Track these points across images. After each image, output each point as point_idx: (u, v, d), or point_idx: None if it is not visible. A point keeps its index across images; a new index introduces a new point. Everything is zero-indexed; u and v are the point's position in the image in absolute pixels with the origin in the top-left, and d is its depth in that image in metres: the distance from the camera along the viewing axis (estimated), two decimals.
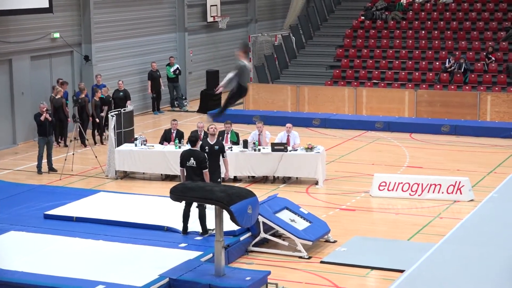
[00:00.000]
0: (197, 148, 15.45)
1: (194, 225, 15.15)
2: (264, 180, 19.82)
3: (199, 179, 14.91)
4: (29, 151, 23.40)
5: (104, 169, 20.78)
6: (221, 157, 16.50)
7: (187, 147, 16.13)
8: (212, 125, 16.94)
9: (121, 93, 25.51)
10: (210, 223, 14.74)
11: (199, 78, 31.96)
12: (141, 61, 29.31)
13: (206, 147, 16.33)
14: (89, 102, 24.40)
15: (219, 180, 16.29)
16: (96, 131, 24.48)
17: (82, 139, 23.57)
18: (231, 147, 19.75)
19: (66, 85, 24.74)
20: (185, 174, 15.26)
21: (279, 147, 19.47)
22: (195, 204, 15.00)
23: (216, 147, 16.41)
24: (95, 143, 24.11)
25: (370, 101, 27.62)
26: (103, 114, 24.22)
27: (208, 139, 16.67)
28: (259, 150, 19.57)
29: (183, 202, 14.83)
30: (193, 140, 15.42)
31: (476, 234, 13.46)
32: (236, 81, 14.33)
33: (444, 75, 28.69)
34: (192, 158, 15.05)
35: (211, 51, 33.19)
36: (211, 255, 13.68)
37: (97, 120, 24.22)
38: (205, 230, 15.00)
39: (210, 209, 14.51)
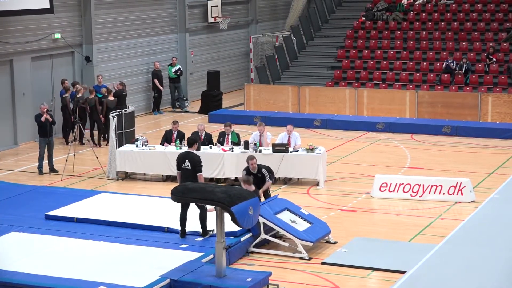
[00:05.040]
0: (193, 150, 15.37)
1: (195, 225, 15.13)
2: None
3: (194, 181, 14.78)
4: (30, 152, 23.40)
5: (105, 170, 20.79)
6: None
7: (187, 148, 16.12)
8: (253, 161, 16.42)
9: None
10: (210, 224, 14.75)
11: (200, 79, 31.96)
12: (142, 61, 29.31)
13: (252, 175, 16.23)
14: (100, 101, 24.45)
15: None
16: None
17: (81, 139, 23.70)
18: (232, 148, 19.76)
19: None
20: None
21: (280, 148, 19.47)
22: (191, 207, 14.96)
23: (259, 175, 16.33)
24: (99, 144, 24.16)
25: (371, 102, 27.61)
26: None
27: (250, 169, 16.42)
28: (260, 151, 19.55)
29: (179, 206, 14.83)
30: (190, 141, 15.41)
31: (477, 235, 13.45)
32: None
33: (445, 76, 28.69)
34: (187, 161, 15.01)
35: (212, 51, 33.19)
36: (212, 256, 13.69)
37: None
38: (205, 231, 14.99)
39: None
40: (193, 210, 15.04)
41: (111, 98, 24.38)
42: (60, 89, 24.94)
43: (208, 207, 14.91)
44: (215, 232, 14.39)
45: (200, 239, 14.91)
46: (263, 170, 16.50)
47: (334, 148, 23.52)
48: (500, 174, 20.17)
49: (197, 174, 14.97)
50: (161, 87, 29.00)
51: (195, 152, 15.37)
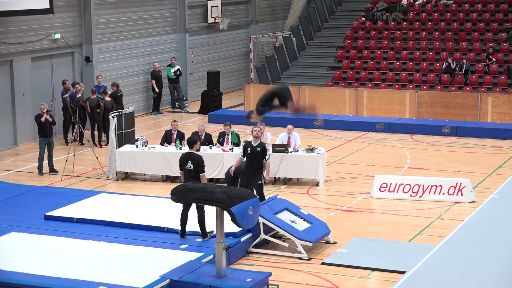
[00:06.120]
0: (195, 151, 15.35)
1: (195, 226, 15.13)
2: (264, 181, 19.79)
3: (197, 182, 14.78)
4: (30, 152, 23.41)
5: (105, 170, 20.79)
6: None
7: (187, 149, 16.08)
8: (256, 128, 16.70)
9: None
10: (210, 226, 14.76)
11: (199, 79, 31.96)
12: (142, 62, 29.31)
13: (249, 149, 16.27)
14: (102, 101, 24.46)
15: (259, 182, 16.17)
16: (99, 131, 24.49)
17: (81, 140, 23.74)
18: (232, 148, 19.76)
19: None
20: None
21: (280, 148, 19.48)
22: (192, 207, 14.96)
23: (258, 149, 16.25)
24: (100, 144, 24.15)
25: (371, 102, 27.61)
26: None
27: (251, 141, 16.49)
28: None
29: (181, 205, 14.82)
30: (190, 142, 15.37)
31: (477, 235, 13.45)
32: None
33: (445, 76, 28.70)
34: (189, 161, 14.97)
35: (212, 52, 33.19)
36: (212, 256, 13.69)
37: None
38: (204, 233, 14.96)
39: (210, 208, 14.48)
40: (192, 212, 15.04)
41: (107, 98, 24.40)
42: (61, 90, 24.96)
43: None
44: (215, 233, 14.41)
45: (199, 239, 14.90)
46: (266, 146, 16.45)
47: (334, 148, 23.52)
48: (500, 174, 20.18)
49: (200, 174, 14.95)
50: (157, 89, 28.95)
51: (197, 152, 15.37)
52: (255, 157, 16.20)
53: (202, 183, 14.57)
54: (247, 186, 15.94)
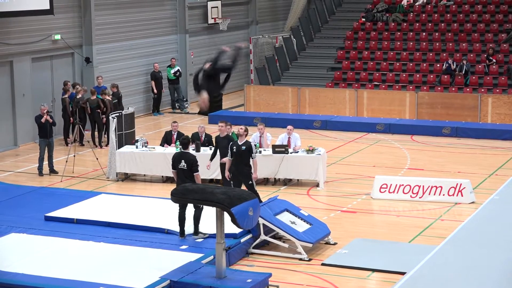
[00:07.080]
0: (189, 150, 15.35)
1: (192, 227, 15.12)
2: (265, 182, 19.81)
3: (190, 181, 14.78)
4: (30, 153, 23.41)
5: (105, 171, 20.79)
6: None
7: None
8: (242, 127, 16.71)
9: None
10: (203, 228, 14.80)
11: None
12: (142, 63, 29.32)
13: (234, 148, 16.22)
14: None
15: (250, 182, 16.13)
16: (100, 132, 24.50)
17: (82, 140, 23.74)
18: None
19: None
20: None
21: (280, 149, 19.48)
22: (189, 207, 14.95)
23: (243, 147, 16.19)
24: (100, 145, 24.13)
25: (371, 103, 27.62)
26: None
27: (236, 140, 16.47)
28: (260, 152, 19.54)
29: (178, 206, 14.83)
30: (185, 142, 15.35)
31: (477, 236, 13.45)
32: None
33: (445, 77, 28.71)
34: (183, 161, 14.95)
35: (212, 53, 33.10)
36: (212, 257, 13.69)
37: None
38: (196, 232, 14.96)
39: (210, 209, 14.49)
40: (190, 211, 15.03)
41: (109, 98, 24.42)
42: (61, 90, 24.98)
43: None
44: (208, 235, 14.48)
45: (200, 240, 14.90)
46: (251, 144, 16.39)
47: (334, 149, 23.52)
48: (500, 175, 20.17)
49: (194, 174, 14.93)
50: (155, 90, 28.95)
51: (190, 152, 15.37)
52: (242, 156, 16.17)
53: (202, 183, 14.57)
54: (239, 187, 15.95)
